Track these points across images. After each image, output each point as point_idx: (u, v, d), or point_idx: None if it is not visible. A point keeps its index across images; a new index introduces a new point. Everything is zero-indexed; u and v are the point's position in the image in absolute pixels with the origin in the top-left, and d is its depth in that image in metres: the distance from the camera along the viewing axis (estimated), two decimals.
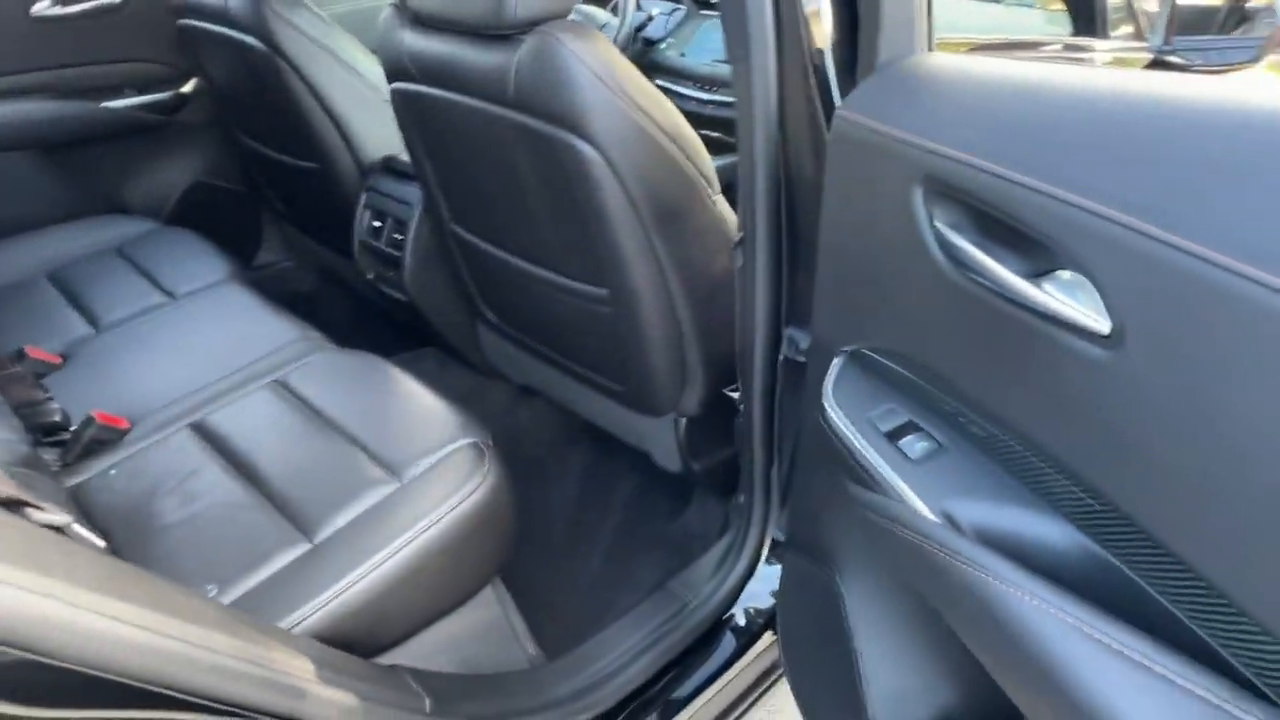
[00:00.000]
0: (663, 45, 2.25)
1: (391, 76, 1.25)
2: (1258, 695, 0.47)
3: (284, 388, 1.28)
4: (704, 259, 1.16)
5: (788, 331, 1.10)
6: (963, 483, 0.68)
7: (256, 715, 0.67)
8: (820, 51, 0.91)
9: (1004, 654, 0.60)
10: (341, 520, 1.04)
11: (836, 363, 0.84)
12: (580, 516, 1.57)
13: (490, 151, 1.16)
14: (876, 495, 0.72)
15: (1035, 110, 0.63)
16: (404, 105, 1.27)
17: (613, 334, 1.24)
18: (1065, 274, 0.59)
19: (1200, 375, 0.48)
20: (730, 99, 2.08)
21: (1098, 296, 0.53)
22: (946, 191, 0.66)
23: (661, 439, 1.39)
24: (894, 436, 0.74)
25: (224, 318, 1.49)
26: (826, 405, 0.81)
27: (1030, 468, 0.64)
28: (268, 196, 2.07)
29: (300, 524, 1.04)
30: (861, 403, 0.79)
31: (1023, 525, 0.64)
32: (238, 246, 1.93)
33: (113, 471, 1.15)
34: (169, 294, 1.56)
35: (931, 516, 0.67)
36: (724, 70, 2.09)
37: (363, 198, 1.64)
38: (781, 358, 1.11)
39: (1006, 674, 0.63)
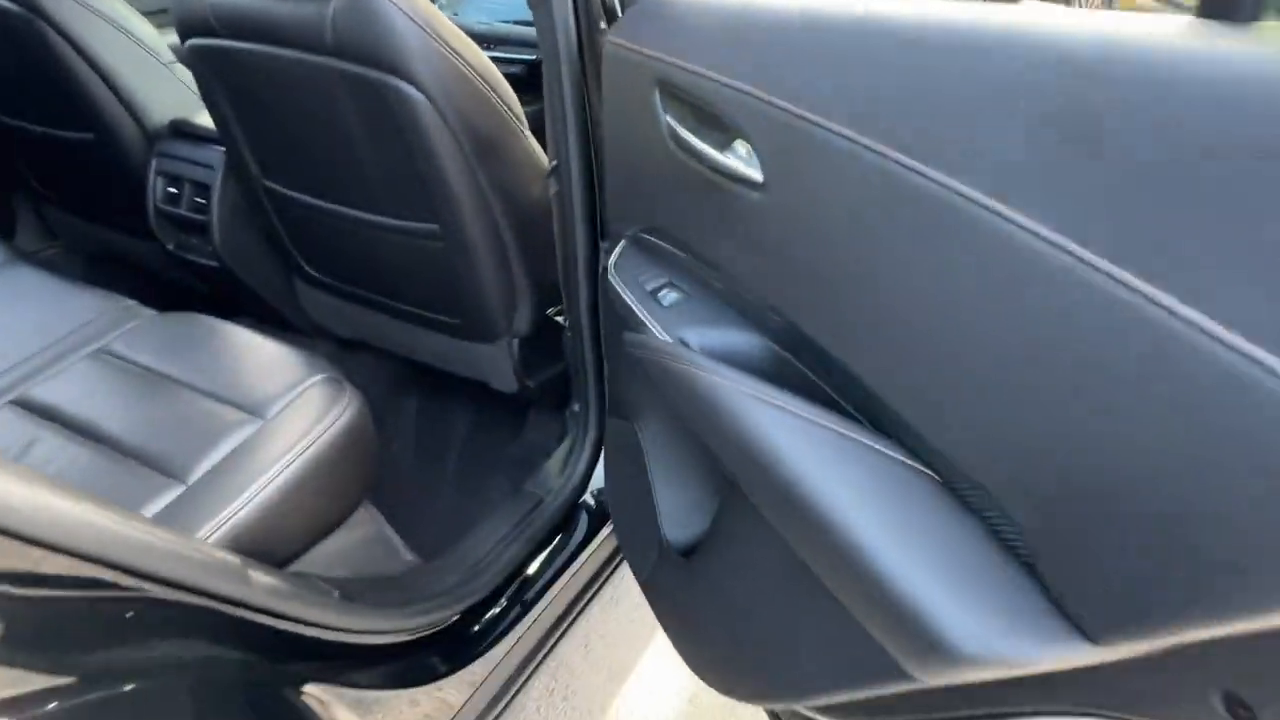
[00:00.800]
0: (435, 6, 2.32)
1: (188, 33, 1.26)
2: (866, 429, 0.72)
3: (109, 355, 1.26)
4: (523, 187, 1.29)
5: (604, 245, 1.27)
6: (696, 318, 0.91)
7: (197, 599, 0.75)
8: None
9: (711, 427, 0.83)
10: (210, 462, 1.08)
11: (620, 245, 1.04)
12: (426, 454, 1.67)
13: (308, 101, 1.21)
14: (638, 334, 0.94)
15: (724, 27, 0.85)
16: (205, 62, 1.28)
17: (444, 267, 1.35)
18: (740, 144, 0.82)
19: (810, 202, 0.72)
20: (509, 55, 2.21)
21: (755, 156, 0.76)
22: (671, 91, 0.87)
23: (497, 363, 1.52)
24: (655, 293, 0.96)
25: (16, 299, 1.41)
26: (609, 276, 1.01)
27: (739, 300, 0.88)
28: (23, 177, 1.90)
29: (168, 471, 1.06)
30: (636, 272, 1.00)
31: (732, 341, 0.87)
32: None
33: None
34: None
35: (668, 339, 0.89)
36: (501, 29, 2.21)
37: (153, 165, 1.59)
38: (601, 269, 1.29)
39: (714, 442, 0.84)
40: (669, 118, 0.87)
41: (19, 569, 0.60)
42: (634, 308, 0.95)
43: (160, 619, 0.71)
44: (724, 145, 0.83)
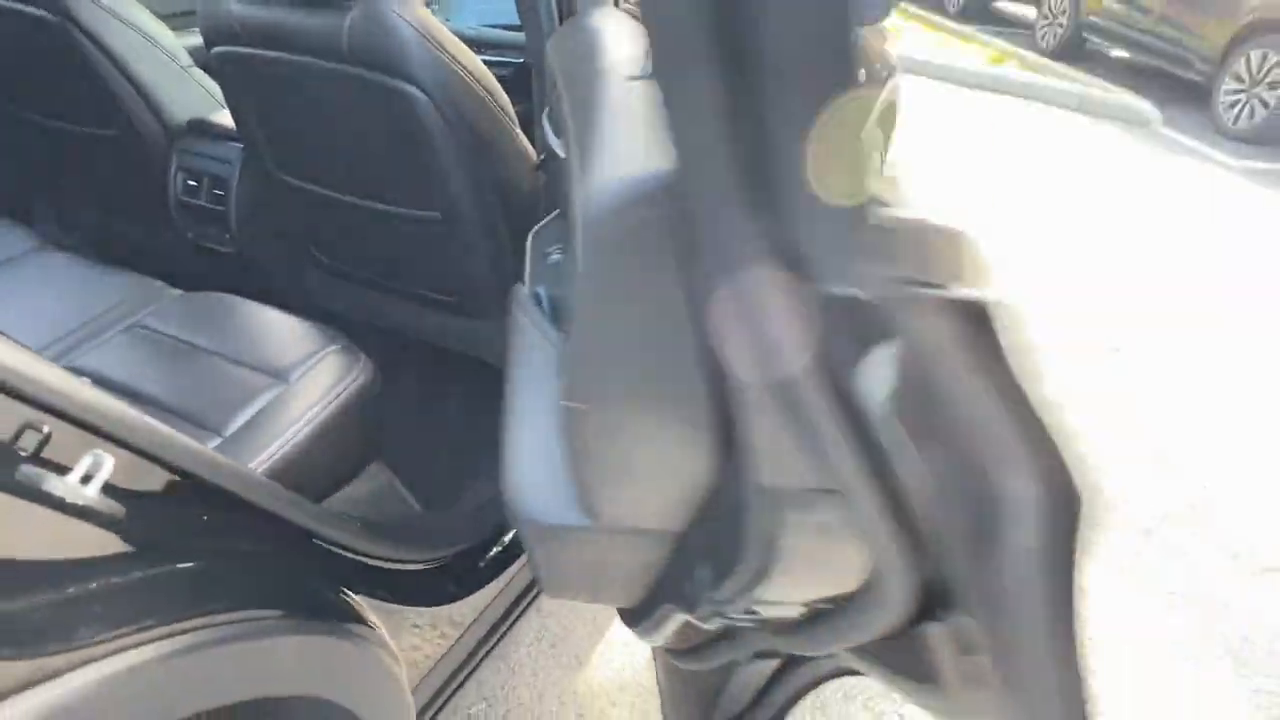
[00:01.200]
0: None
1: (215, 41, 1.41)
2: None
3: (143, 329, 1.41)
4: (515, 179, 1.45)
5: None
6: (556, 276, 1.06)
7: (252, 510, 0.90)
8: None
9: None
10: (242, 418, 1.23)
11: (550, 215, 1.20)
12: (428, 422, 1.82)
13: (323, 102, 1.37)
14: (520, 286, 1.10)
15: (573, 46, 1.01)
16: (229, 67, 1.43)
17: (443, 251, 1.51)
18: None
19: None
20: (497, 59, 2.36)
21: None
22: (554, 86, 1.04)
23: (491, 338, 1.68)
24: (547, 254, 1.11)
25: (51, 281, 1.55)
26: (529, 239, 1.17)
27: None
28: (42, 169, 2.04)
29: (205, 426, 1.21)
30: (545, 237, 1.16)
31: (568, 293, 1.03)
32: None
33: None
34: None
35: (525, 290, 1.05)
36: (489, 34, 2.36)
37: (173, 160, 1.73)
38: None
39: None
40: (548, 107, 1.07)
41: (134, 476, 0.76)
42: (526, 264, 1.11)
43: (227, 522, 0.87)
44: (558, 134, 1.03)
